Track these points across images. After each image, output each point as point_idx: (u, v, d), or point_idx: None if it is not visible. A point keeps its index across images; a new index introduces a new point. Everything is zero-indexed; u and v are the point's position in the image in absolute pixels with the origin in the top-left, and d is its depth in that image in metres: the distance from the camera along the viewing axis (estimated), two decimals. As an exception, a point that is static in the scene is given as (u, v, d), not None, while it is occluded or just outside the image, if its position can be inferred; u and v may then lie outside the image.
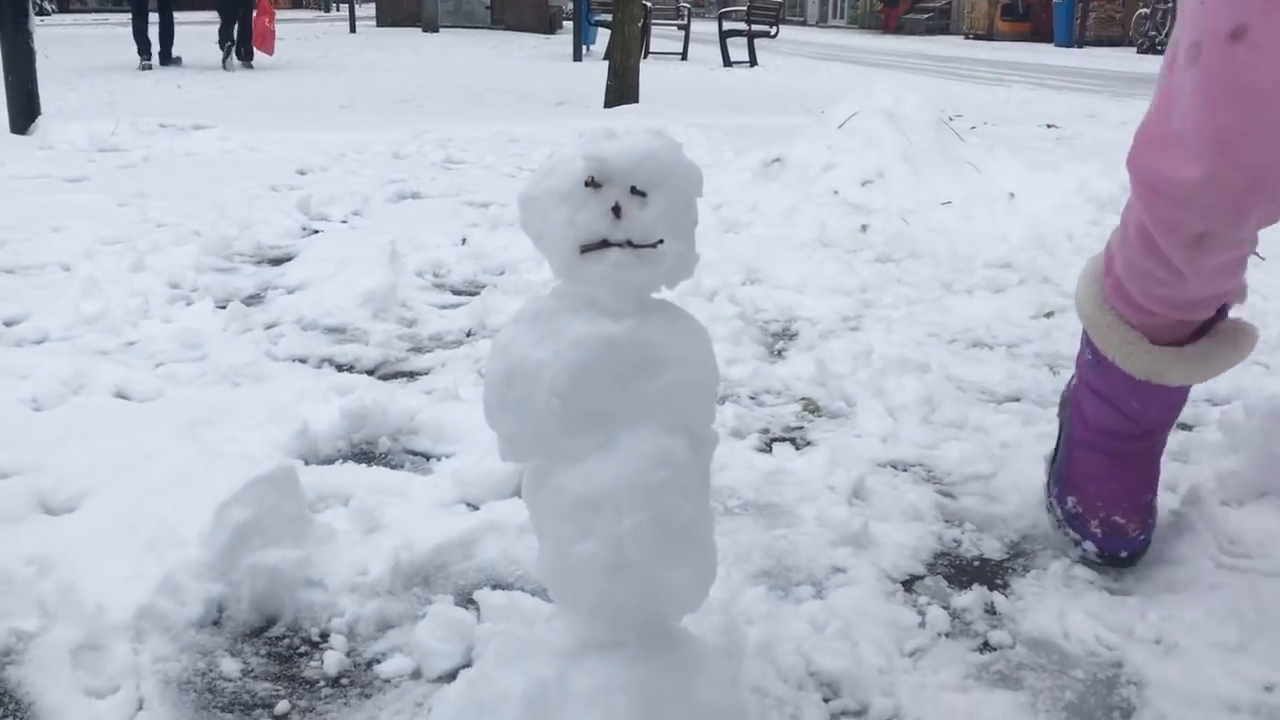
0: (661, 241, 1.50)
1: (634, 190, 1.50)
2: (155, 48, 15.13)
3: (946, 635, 2.01)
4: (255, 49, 15.83)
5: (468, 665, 1.85)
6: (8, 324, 3.54)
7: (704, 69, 19.19)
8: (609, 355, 1.49)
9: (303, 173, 6.64)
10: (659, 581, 1.51)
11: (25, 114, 7.97)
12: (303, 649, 1.94)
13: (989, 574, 2.25)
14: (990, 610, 2.10)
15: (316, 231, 5.07)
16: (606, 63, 13.42)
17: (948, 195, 5.50)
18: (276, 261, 4.51)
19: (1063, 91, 15.99)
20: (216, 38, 15.67)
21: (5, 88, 7.98)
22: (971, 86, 16.99)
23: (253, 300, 3.92)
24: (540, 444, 1.55)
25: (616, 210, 1.49)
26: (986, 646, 1.99)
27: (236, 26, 15.63)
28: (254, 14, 15.88)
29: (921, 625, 2.04)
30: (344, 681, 1.86)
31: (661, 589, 1.52)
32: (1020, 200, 5.54)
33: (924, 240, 4.95)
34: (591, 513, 1.50)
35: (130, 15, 15.44)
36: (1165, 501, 2.38)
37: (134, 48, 14.92)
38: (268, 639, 1.96)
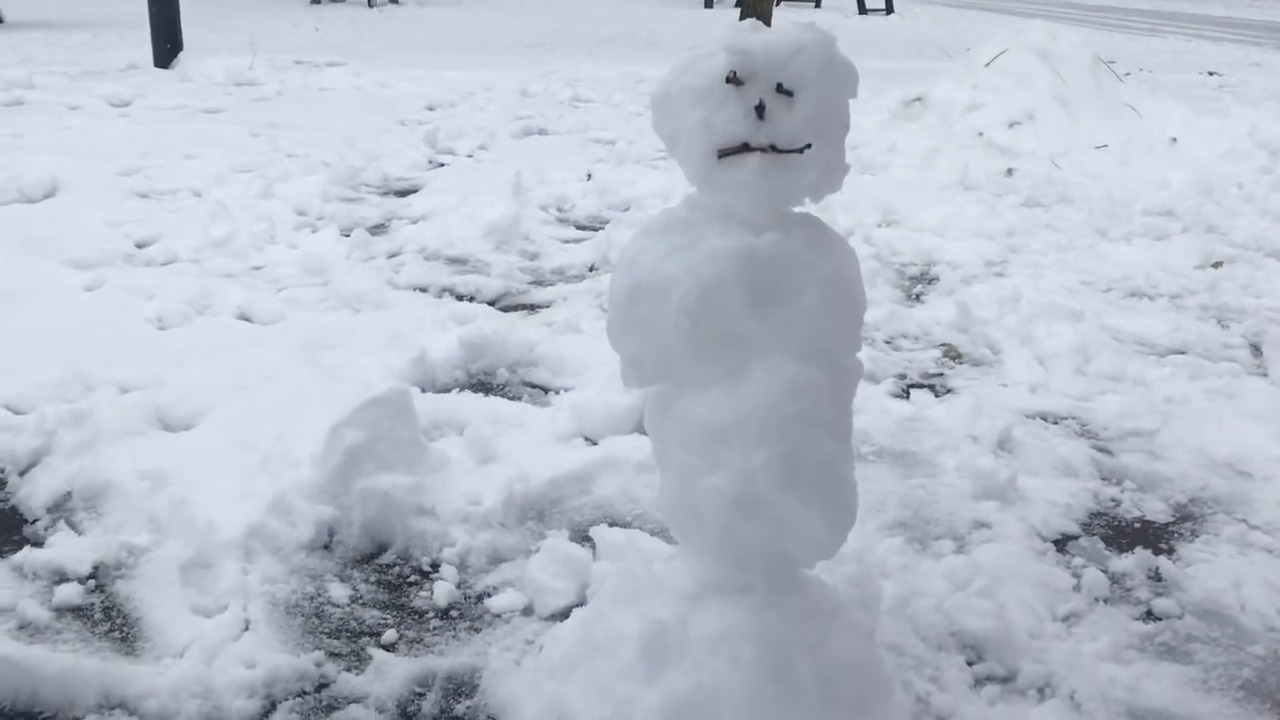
0: (809, 146, 1.34)
1: (780, 89, 1.34)
2: None
3: (1105, 601, 1.83)
4: None
5: (582, 604, 1.75)
6: (139, 245, 3.56)
7: (838, 16, 18.61)
8: (745, 272, 1.34)
9: (431, 108, 6.61)
10: (791, 521, 1.37)
11: (168, 49, 8.14)
12: (412, 578, 1.86)
13: (1152, 537, 2.04)
14: (1154, 576, 1.91)
15: (443, 165, 5.01)
16: (738, 10, 13.08)
17: (1104, 138, 5.15)
18: (402, 193, 4.47)
19: (1221, 43, 15.00)
20: None
21: (150, 22, 8.15)
22: (1124, 36, 16.09)
23: (377, 230, 3.88)
24: (667, 368, 1.41)
25: (760, 110, 1.34)
26: (1150, 615, 1.80)
27: None
28: None
29: (1076, 589, 1.85)
30: (453, 614, 1.77)
31: (794, 530, 1.38)
32: (1183, 145, 5.16)
33: (1076, 185, 4.64)
34: (720, 444, 1.36)
35: None
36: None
37: None
38: (377, 566, 1.89)
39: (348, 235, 3.65)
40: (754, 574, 1.43)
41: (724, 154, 1.34)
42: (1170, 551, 1.99)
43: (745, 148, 1.34)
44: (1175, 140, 5.20)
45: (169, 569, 1.81)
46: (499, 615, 1.76)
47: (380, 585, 1.84)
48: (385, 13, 15.28)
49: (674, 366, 1.40)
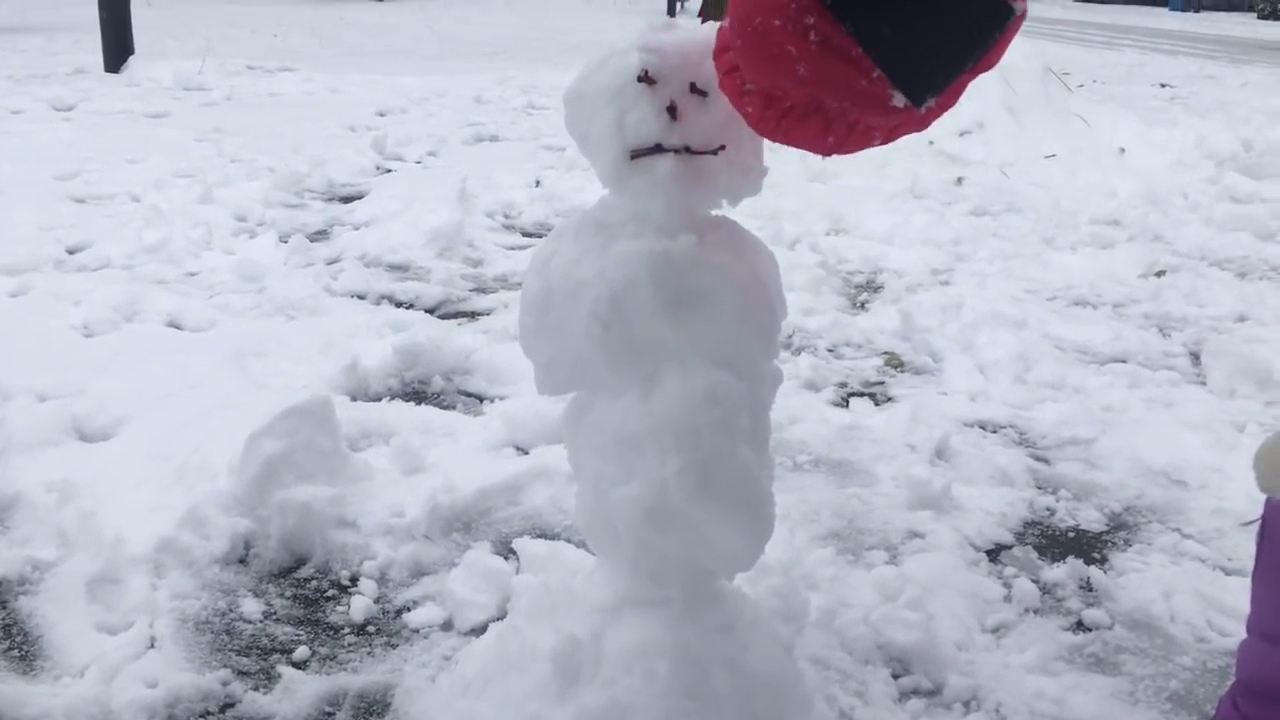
0: (724, 148, 1.31)
1: (694, 88, 1.30)
2: None
3: (1035, 611, 1.80)
4: None
5: (502, 619, 1.70)
6: (70, 251, 3.48)
7: (799, 25, 18.61)
8: (658, 276, 1.30)
9: (382, 114, 6.54)
10: (707, 533, 1.33)
11: (118, 53, 8.01)
12: (330, 592, 1.81)
13: (1086, 546, 2.02)
14: (1085, 586, 1.89)
15: (390, 171, 4.95)
16: (699, 20, 13.11)
17: (1053, 148, 5.17)
18: (347, 199, 4.40)
19: (1176, 56, 15.19)
20: None
21: (101, 27, 8.03)
22: (1080, 49, 16.25)
23: (318, 236, 3.81)
24: (580, 374, 1.37)
25: (673, 110, 1.30)
26: (1080, 626, 1.78)
27: None
28: None
29: (1007, 599, 1.83)
30: (370, 629, 1.72)
31: (710, 541, 1.34)
32: (1132, 155, 5.19)
33: (1024, 194, 4.65)
34: (634, 453, 1.32)
35: None
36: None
37: None
38: (294, 580, 1.83)
39: (286, 241, 3.58)
40: (671, 587, 1.39)
41: (636, 155, 1.30)
42: (1103, 561, 1.97)
43: (658, 149, 1.30)
44: (1123, 150, 5.24)
45: (75, 584, 1.75)
46: (417, 630, 1.71)
47: (296, 600, 1.78)
48: (346, 20, 15.17)
49: (587, 373, 1.36)
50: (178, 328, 2.88)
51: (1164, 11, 32.17)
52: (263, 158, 4.92)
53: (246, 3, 17.66)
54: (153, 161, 4.74)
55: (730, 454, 1.32)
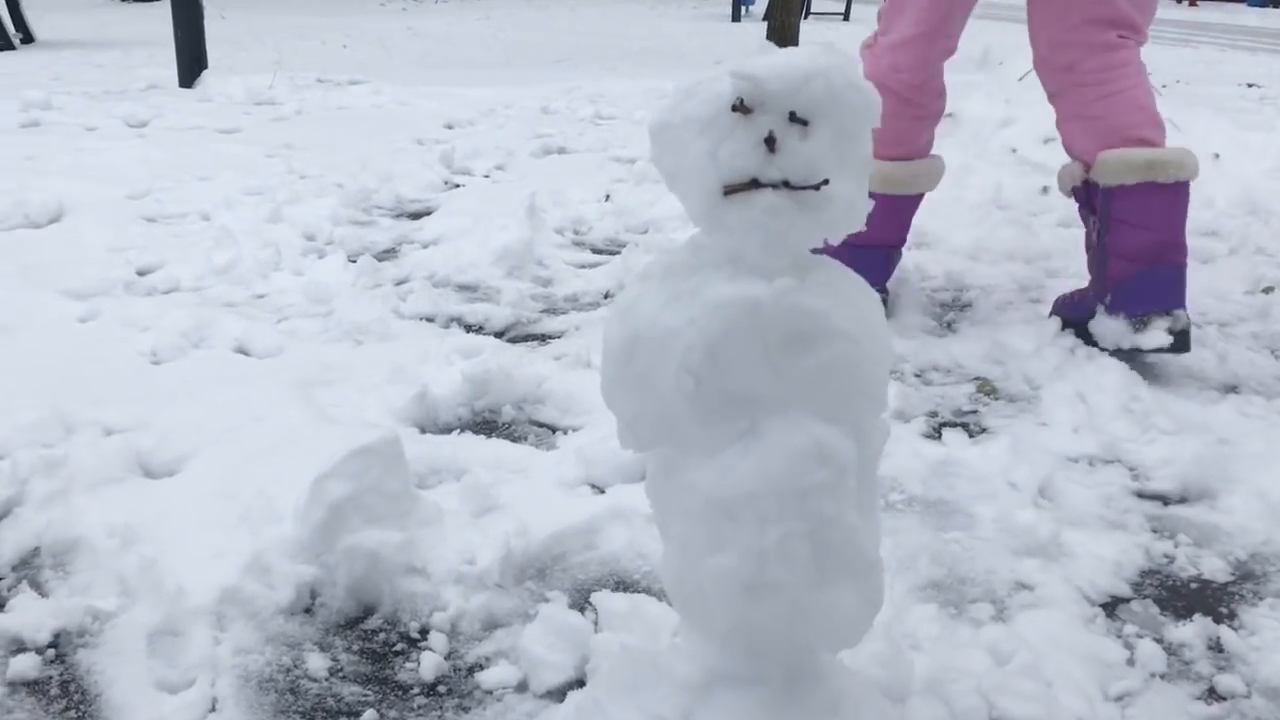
0: (826, 183, 1.18)
1: (793, 117, 1.18)
2: None
3: (1161, 677, 1.65)
4: None
5: (580, 680, 1.59)
6: (141, 273, 3.45)
7: (866, 29, 18.44)
8: (755, 323, 1.18)
9: (450, 127, 6.49)
10: (811, 608, 1.20)
11: (192, 69, 8.08)
12: (398, 646, 1.71)
13: (1211, 600, 1.86)
14: (1215, 647, 1.72)
15: (458, 185, 4.88)
16: (765, 23, 12.97)
17: (1143, 154, 4.94)
18: (415, 215, 4.34)
19: (1257, 54, 14.67)
20: None
21: (175, 42, 8.11)
22: (1156, 48, 15.77)
23: (386, 255, 3.75)
24: (668, 431, 1.25)
25: (770, 142, 1.18)
26: (1213, 694, 1.62)
27: None
28: None
29: (1129, 662, 1.67)
30: (440, 689, 1.62)
31: (813, 617, 1.21)
32: (1226, 161, 4.94)
33: (1115, 204, 4.44)
34: (728, 519, 1.20)
35: None
36: None
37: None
38: (361, 632, 1.74)
39: (354, 261, 3.52)
40: (768, 663, 1.27)
41: (730, 191, 1.19)
42: (1232, 617, 1.80)
43: (754, 184, 1.18)
44: (1218, 156, 4.98)
45: (135, 637, 1.67)
46: (490, 692, 1.60)
47: (363, 655, 1.69)
48: (414, 30, 15.26)
49: (675, 429, 1.25)
50: (245, 354, 2.82)
51: (1242, 7, 31.25)
52: (332, 173, 4.89)
53: (316, 14, 17.87)
54: (223, 179, 4.73)
55: (837, 520, 1.19)
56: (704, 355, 1.19)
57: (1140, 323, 2.67)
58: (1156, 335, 2.65)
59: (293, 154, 5.36)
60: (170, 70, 8.26)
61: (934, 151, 3.20)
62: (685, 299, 1.22)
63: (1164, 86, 8.94)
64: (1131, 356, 2.71)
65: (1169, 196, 2.72)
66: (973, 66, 10.07)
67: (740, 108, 1.18)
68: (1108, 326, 2.74)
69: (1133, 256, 2.70)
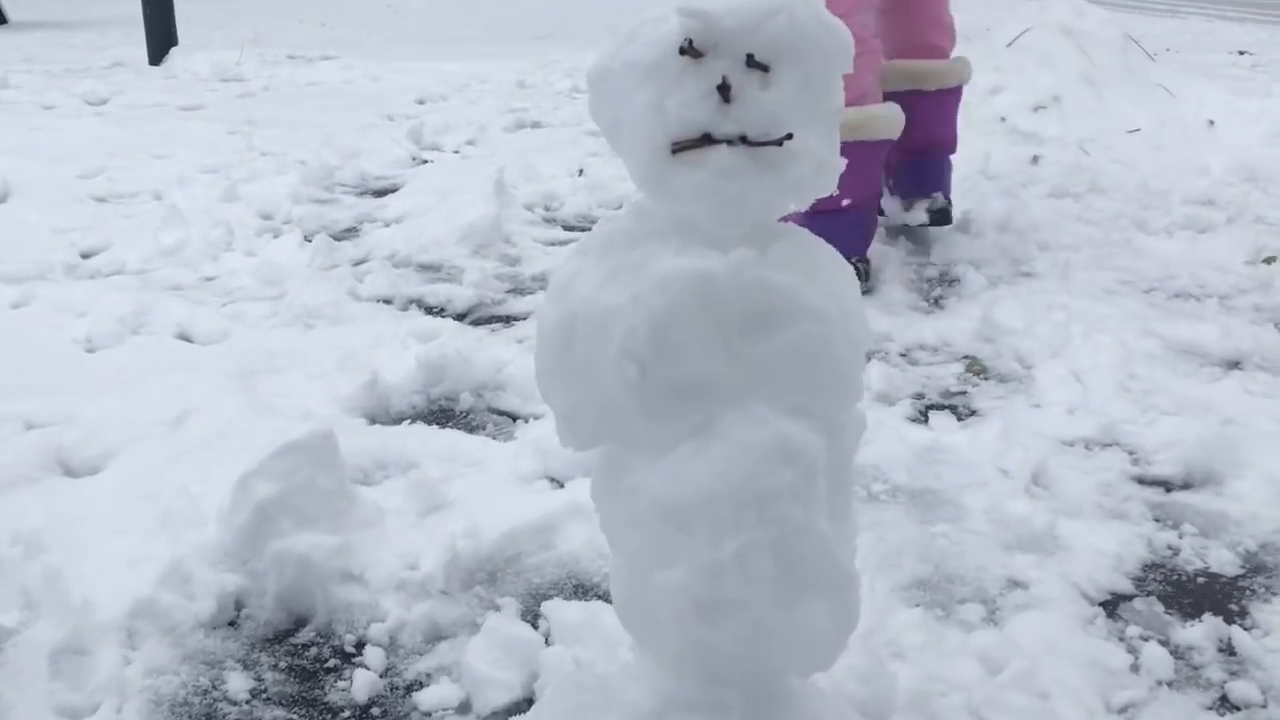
0: (790, 137, 1.02)
1: (751, 61, 1.01)
2: None
3: (1169, 684, 1.50)
4: None
5: (529, 700, 1.43)
6: (84, 255, 3.28)
7: None
8: (709, 302, 1.02)
9: (422, 102, 6.29)
10: (776, 628, 1.05)
11: (161, 45, 7.86)
12: (330, 662, 1.55)
13: (1220, 596, 1.71)
14: (1227, 649, 1.58)
15: (426, 162, 4.70)
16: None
17: (1136, 122, 4.78)
18: (380, 193, 4.16)
19: (1244, 23, 14.48)
20: None
21: (144, 20, 7.87)
22: (1142, 17, 15.58)
23: (346, 234, 3.57)
24: (610, 426, 1.09)
25: (725, 90, 1.02)
26: (1225, 703, 1.47)
27: None
28: None
29: (1134, 668, 1.52)
30: (374, 711, 1.46)
31: (779, 639, 1.06)
32: (1222, 128, 4.78)
33: (1108, 172, 4.28)
34: (679, 529, 1.04)
35: None
36: None
37: None
38: (290, 647, 1.58)
39: (310, 240, 3.34)
40: (728, 689, 1.11)
41: (679, 148, 1.02)
42: (1243, 615, 1.66)
43: (707, 139, 1.02)
44: (1212, 123, 4.83)
45: (36, 657, 1.51)
46: (428, 714, 1.45)
47: (290, 673, 1.53)
48: (393, 6, 15.00)
49: (619, 424, 1.08)
50: (187, 340, 2.65)
51: (1232, -24, 31.04)
52: (295, 150, 4.70)
53: (294, -8, 17.54)
54: (180, 157, 4.54)
55: (804, 528, 1.03)
56: (649, 338, 1.02)
57: (908, 203, 3.27)
58: (918, 214, 3.26)
59: (255, 130, 5.17)
60: (141, 49, 8.03)
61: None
62: (628, 274, 1.06)
63: (1154, 55, 8.78)
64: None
65: (935, 102, 3.25)
66: (960, 34, 9.89)
67: (689, 50, 1.02)
68: (888, 204, 3.31)
69: (907, 149, 3.15)
